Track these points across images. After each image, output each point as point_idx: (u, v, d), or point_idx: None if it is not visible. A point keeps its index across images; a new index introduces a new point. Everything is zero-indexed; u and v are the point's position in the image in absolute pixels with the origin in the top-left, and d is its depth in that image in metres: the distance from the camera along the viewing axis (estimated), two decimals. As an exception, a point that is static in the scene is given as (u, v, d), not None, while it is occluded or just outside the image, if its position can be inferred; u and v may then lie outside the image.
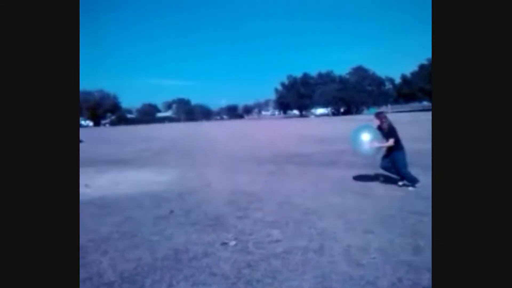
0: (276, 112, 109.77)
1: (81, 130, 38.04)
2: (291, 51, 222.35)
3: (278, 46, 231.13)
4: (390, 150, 6.15)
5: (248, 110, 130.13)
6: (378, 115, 6.38)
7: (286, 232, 4.02)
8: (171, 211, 5.07)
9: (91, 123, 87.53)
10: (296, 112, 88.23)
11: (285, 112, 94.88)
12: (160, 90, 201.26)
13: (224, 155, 12.52)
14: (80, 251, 3.64)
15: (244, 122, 65.07)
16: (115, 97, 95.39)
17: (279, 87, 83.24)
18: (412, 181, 5.99)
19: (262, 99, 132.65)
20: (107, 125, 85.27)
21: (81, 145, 21.26)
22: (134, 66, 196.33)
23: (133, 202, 5.78)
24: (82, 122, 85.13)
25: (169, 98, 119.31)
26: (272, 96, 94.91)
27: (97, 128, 66.68)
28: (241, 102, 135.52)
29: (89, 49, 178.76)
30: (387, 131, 6.07)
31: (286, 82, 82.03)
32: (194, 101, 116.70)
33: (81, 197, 6.29)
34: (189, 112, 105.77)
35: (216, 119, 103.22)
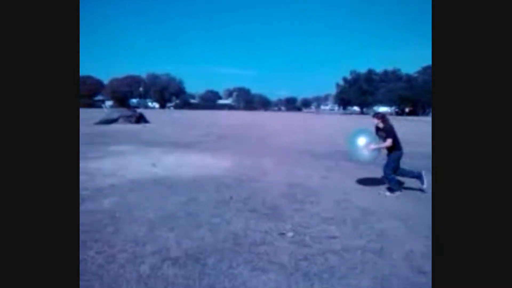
0: (336, 108, 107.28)
1: (148, 111, 40.61)
2: (356, 46, 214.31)
3: (342, 40, 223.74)
4: (389, 151, 5.80)
5: (306, 103, 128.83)
6: (376, 115, 6.04)
7: (343, 230, 3.99)
8: (231, 197, 5.27)
9: (157, 105, 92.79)
10: (356, 108, 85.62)
11: (344, 108, 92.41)
12: (222, 77, 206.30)
13: (281, 146, 12.60)
14: (149, 225, 3.96)
15: (302, 115, 64.53)
16: (180, 82, 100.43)
17: (341, 82, 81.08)
18: (393, 187, 5.80)
19: (322, 93, 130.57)
20: (172, 108, 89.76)
21: (148, 126, 22.72)
22: (200, 53, 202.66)
23: (195, 184, 6.10)
24: (149, 104, 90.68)
25: (230, 86, 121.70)
26: (333, 91, 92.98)
27: (162, 110, 70.42)
28: (300, 94, 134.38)
29: (159, 34, 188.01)
30: (385, 132, 5.72)
31: (349, 77, 79.65)
32: (254, 90, 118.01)
33: (148, 176, 6.81)
34: (248, 101, 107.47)
35: (274, 110, 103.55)
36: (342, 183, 6.57)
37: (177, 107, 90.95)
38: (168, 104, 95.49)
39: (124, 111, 26.17)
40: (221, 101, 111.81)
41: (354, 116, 57.15)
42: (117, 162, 8.33)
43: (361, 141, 5.73)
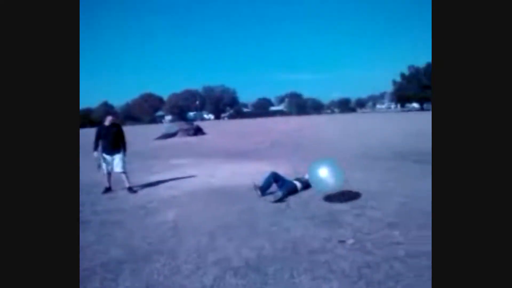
0: (392, 106, 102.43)
1: (204, 123, 42.17)
2: (412, 40, 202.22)
3: (397, 36, 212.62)
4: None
5: (361, 104, 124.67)
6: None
7: (407, 235, 3.79)
8: (287, 205, 5.25)
9: (212, 117, 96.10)
10: (415, 105, 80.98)
11: (402, 106, 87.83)
12: (274, 84, 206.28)
13: (336, 150, 12.31)
14: (209, 237, 4.08)
15: (356, 116, 62.50)
16: (234, 92, 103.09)
17: (398, 79, 77.42)
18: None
19: (377, 92, 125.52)
20: (226, 118, 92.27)
21: (205, 137, 23.58)
22: (252, 60, 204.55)
23: (251, 193, 6.17)
24: (205, 116, 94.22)
25: (282, 92, 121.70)
26: (389, 89, 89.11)
27: (217, 121, 72.67)
28: (354, 95, 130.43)
29: (215, 46, 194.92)
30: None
31: (407, 72, 75.76)
32: (306, 94, 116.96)
33: (206, 186, 7.05)
34: (300, 105, 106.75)
35: (327, 113, 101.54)
36: (404, 186, 6.24)
37: (230, 117, 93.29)
38: (222, 115, 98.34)
39: (182, 125, 27.43)
40: (273, 108, 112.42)
41: (412, 114, 54.01)
42: (177, 174, 8.73)
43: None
